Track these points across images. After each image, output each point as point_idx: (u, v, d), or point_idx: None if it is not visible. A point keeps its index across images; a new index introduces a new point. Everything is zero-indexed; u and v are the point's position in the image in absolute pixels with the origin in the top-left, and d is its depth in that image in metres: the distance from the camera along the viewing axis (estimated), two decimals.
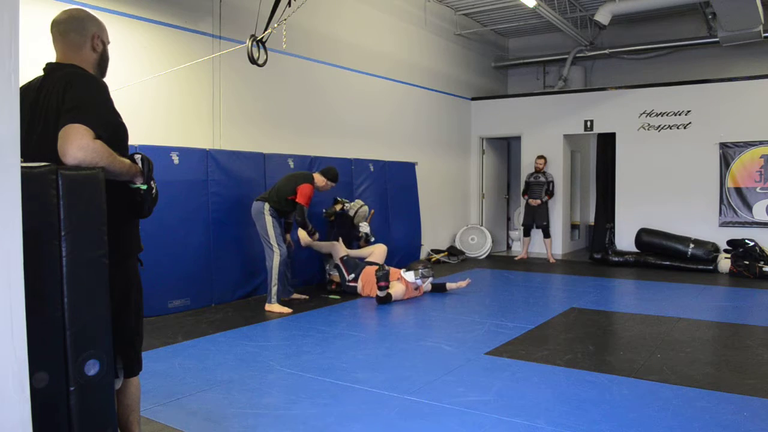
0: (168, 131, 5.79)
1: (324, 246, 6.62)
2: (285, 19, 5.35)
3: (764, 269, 7.78)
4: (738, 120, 8.82)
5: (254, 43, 5.31)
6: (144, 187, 2.12)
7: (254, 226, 5.80)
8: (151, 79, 5.51)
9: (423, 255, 9.38)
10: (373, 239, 7.13)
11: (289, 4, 5.29)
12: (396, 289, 6.10)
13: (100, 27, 2.21)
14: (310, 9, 6.74)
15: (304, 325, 5.12)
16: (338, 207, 6.92)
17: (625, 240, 9.54)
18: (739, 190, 8.80)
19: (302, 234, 6.37)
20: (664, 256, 8.77)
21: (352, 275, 6.44)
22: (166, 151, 5.53)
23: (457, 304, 6.09)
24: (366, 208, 7.02)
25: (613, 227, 10.01)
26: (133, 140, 2.55)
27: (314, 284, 6.92)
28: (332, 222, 7.00)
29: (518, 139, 10.78)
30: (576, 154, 11.09)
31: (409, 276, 6.25)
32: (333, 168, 6.20)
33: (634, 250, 9.19)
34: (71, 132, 1.87)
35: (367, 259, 6.72)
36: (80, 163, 1.85)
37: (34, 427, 1.42)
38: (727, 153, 8.88)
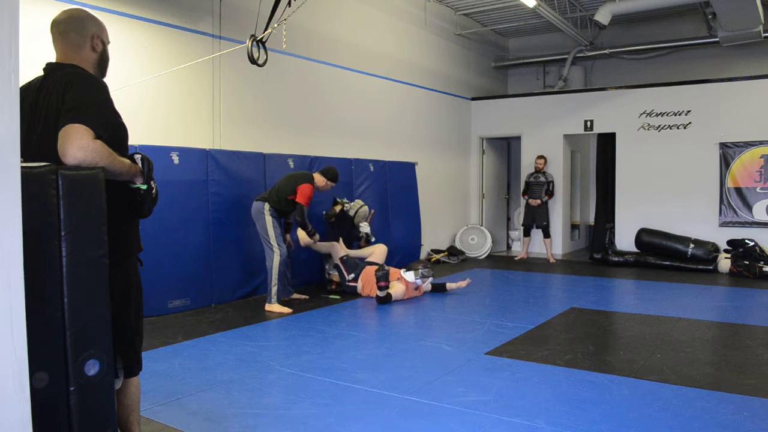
0: (168, 131, 5.79)
1: (323, 246, 6.61)
2: (285, 19, 5.36)
3: (764, 269, 7.78)
4: (738, 120, 8.82)
5: (254, 43, 5.31)
6: (144, 187, 2.12)
7: (254, 226, 5.80)
8: (151, 79, 5.51)
9: (423, 255, 9.38)
10: (373, 239, 7.13)
11: (289, 4, 5.29)
12: (396, 289, 6.10)
13: (99, 27, 2.21)
14: (310, 9, 6.74)
15: (304, 325, 5.12)
16: (338, 208, 6.91)
17: (625, 240, 9.54)
18: (739, 190, 8.80)
19: (302, 234, 6.37)
20: (664, 256, 8.77)
21: (352, 275, 6.44)
22: (166, 151, 5.53)
23: (457, 304, 6.09)
24: (366, 208, 7.02)
25: (613, 227, 10.01)
26: (133, 140, 2.55)
27: (314, 284, 6.92)
28: (332, 223, 7.00)
29: (518, 139, 10.78)
30: (576, 154, 11.09)
31: (409, 276, 6.25)
32: (333, 168, 6.20)
33: (634, 250, 9.19)
34: (71, 132, 1.87)
35: (367, 260, 6.72)
36: (80, 163, 1.85)
37: (34, 427, 1.42)
38: (727, 153, 8.88)
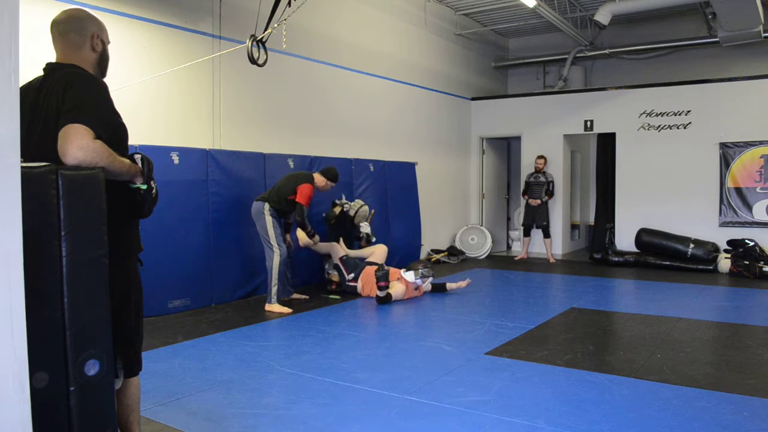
0: (168, 131, 5.79)
1: (323, 246, 6.61)
2: (285, 19, 5.36)
3: (764, 269, 7.78)
4: (738, 120, 8.82)
5: (254, 43, 5.31)
6: (144, 187, 2.12)
7: (254, 226, 5.80)
8: (151, 79, 5.51)
9: (423, 255, 9.38)
10: (374, 239, 7.13)
11: (289, 4, 5.29)
12: (396, 289, 6.10)
13: (99, 27, 2.21)
14: (310, 9, 6.74)
15: (304, 325, 5.12)
16: (337, 210, 6.89)
17: (625, 240, 9.54)
18: (739, 190, 8.80)
19: (301, 234, 6.37)
20: (664, 256, 8.77)
21: (352, 275, 6.44)
22: (166, 151, 5.53)
23: (457, 304, 6.09)
24: (366, 207, 7.02)
25: (613, 227, 10.01)
26: (133, 140, 2.55)
27: (314, 284, 6.92)
28: (332, 224, 6.99)
29: (518, 139, 10.78)
30: (576, 154, 11.09)
31: (409, 276, 6.25)
32: (333, 168, 6.20)
33: (634, 250, 9.19)
34: (71, 132, 1.87)
35: (367, 260, 6.72)
36: (80, 163, 1.85)
37: (34, 427, 1.42)
38: (727, 153, 8.88)
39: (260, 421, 3.02)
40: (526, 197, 9.82)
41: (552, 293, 7.20)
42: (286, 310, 5.60)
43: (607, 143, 10.34)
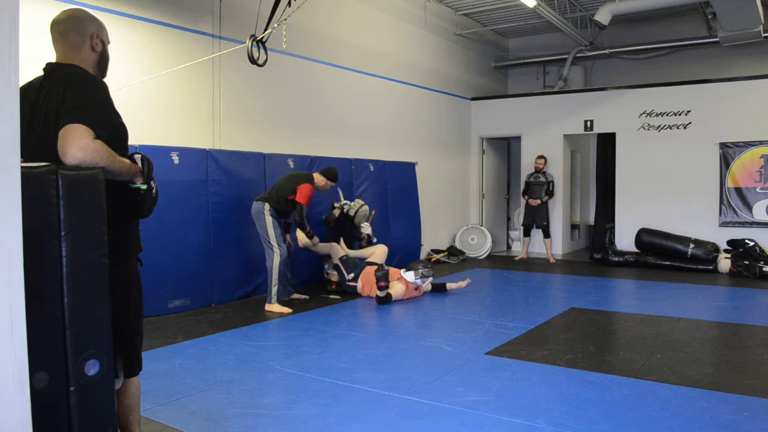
0: (168, 131, 5.79)
1: (323, 247, 6.61)
2: (285, 19, 5.36)
3: (764, 269, 7.78)
4: (738, 120, 8.82)
5: (254, 43, 5.31)
6: (144, 187, 2.12)
7: (254, 226, 5.80)
8: (151, 79, 5.51)
9: (423, 255, 9.38)
10: (375, 240, 7.13)
11: (289, 4, 5.29)
12: (396, 289, 6.10)
13: (99, 27, 2.21)
14: (310, 9, 6.74)
15: (304, 325, 5.12)
16: (336, 213, 6.87)
17: (625, 240, 9.54)
18: (739, 190, 8.80)
19: (300, 235, 6.37)
20: (664, 256, 8.77)
21: (352, 275, 6.44)
22: (166, 151, 5.53)
23: (457, 304, 6.09)
24: (366, 207, 7.01)
25: (613, 227, 10.01)
26: (133, 140, 2.55)
27: (314, 284, 6.92)
28: (332, 226, 6.97)
29: (518, 139, 10.78)
30: (576, 154, 11.09)
31: (409, 276, 6.25)
32: (333, 168, 6.20)
33: (634, 250, 9.19)
34: (71, 132, 1.87)
35: (367, 260, 6.71)
36: (80, 163, 1.85)
37: (34, 427, 1.42)
38: (727, 153, 8.88)
39: (260, 421, 3.02)
40: (526, 197, 9.82)
41: (552, 293, 7.20)
42: (286, 310, 5.60)
43: (607, 143, 10.34)
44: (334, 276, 6.60)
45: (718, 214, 8.92)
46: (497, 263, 9.45)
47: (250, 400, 3.31)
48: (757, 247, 8.03)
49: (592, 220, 11.15)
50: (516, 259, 9.92)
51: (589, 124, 10.03)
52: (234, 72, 6.41)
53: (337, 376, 3.73)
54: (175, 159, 5.59)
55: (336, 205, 6.85)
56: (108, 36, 2.26)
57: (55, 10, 2.25)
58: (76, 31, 2.15)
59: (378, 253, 6.85)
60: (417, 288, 6.33)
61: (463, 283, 6.63)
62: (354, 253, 6.85)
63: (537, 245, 10.08)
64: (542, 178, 9.70)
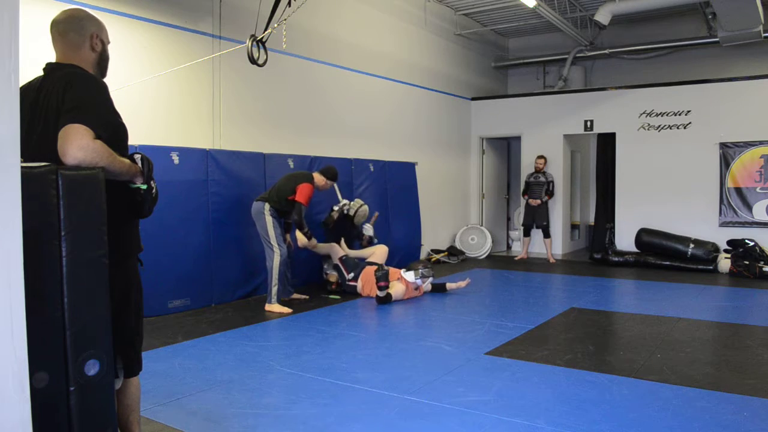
0: (168, 131, 5.79)
1: (323, 247, 6.61)
2: (285, 19, 5.35)
3: (764, 269, 7.78)
4: (738, 120, 8.82)
5: (254, 43, 5.31)
6: (144, 187, 2.12)
7: (254, 226, 5.80)
8: (151, 79, 5.51)
9: (423, 255, 9.38)
10: (376, 241, 7.13)
11: (289, 4, 5.28)
12: (396, 289, 6.10)
13: (99, 27, 2.21)
14: (310, 9, 6.74)
15: (304, 325, 5.12)
16: (335, 216, 6.84)
17: (625, 240, 9.54)
18: (739, 190, 8.80)
19: (300, 235, 6.36)
20: (664, 256, 8.77)
21: (352, 274, 6.44)
22: (166, 151, 5.53)
23: (457, 304, 6.09)
24: (366, 207, 6.99)
25: (613, 227, 10.01)
26: (133, 140, 2.55)
27: (314, 284, 6.92)
28: (331, 228, 6.94)
29: (518, 139, 10.78)
30: (576, 154, 11.09)
31: (409, 276, 6.25)
32: (332, 167, 6.20)
33: (634, 250, 9.19)
34: (71, 132, 1.87)
35: (367, 260, 6.71)
36: (80, 163, 1.85)
37: (34, 427, 1.42)
38: (727, 153, 8.88)
39: (260, 421, 3.02)
40: (526, 197, 9.82)
41: (552, 293, 7.20)
42: (286, 310, 5.60)
43: (607, 143, 10.34)
44: (332, 277, 6.60)
45: (718, 214, 8.92)
46: (497, 263, 9.45)
47: (250, 400, 3.31)
48: (757, 247, 8.03)
49: (592, 220, 11.15)
50: (516, 259, 9.92)
51: (589, 124, 10.03)
52: (234, 72, 6.41)
53: (337, 376, 3.73)
54: (175, 159, 5.59)
55: (335, 208, 6.82)
56: (108, 36, 2.26)
57: (55, 10, 2.25)
58: (76, 31, 2.15)
59: (378, 253, 6.85)
60: (417, 288, 6.33)
61: (462, 283, 6.63)
62: (354, 253, 6.85)
63: (537, 245, 10.08)
64: (542, 178, 9.70)
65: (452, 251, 9.80)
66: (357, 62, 8.20)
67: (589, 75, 11.56)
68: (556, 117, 10.26)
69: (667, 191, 9.31)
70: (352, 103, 8.17)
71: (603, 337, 4.94)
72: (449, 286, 6.61)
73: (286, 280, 5.90)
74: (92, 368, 1.77)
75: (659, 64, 10.79)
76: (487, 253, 10.13)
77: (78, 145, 1.85)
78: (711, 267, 8.39)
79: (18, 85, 1.35)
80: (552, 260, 9.54)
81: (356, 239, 7.10)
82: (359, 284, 6.39)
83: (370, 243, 7.05)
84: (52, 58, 2.18)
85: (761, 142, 8.64)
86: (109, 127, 2.02)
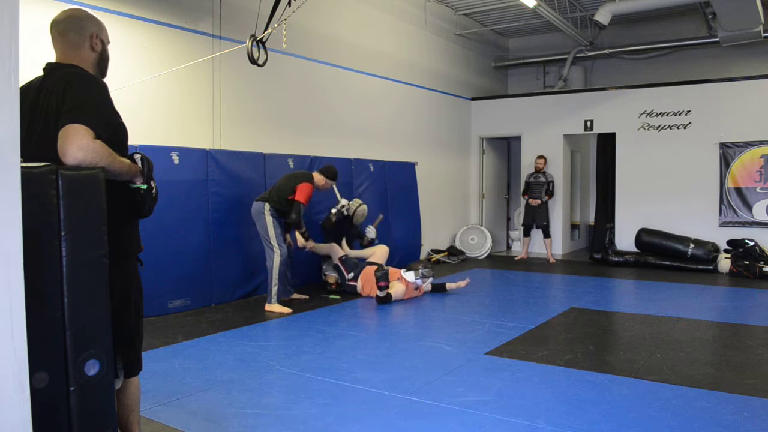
0: (168, 131, 5.79)
1: (323, 248, 6.61)
2: (285, 19, 5.35)
3: (764, 269, 7.78)
4: (738, 120, 8.82)
5: (254, 43, 5.31)
6: (144, 187, 2.12)
7: (254, 226, 5.80)
8: (151, 79, 5.51)
9: (423, 255, 9.38)
10: (376, 241, 7.13)
11: (289, 4, 5.28)
12: (396, 289, 6.10)
13: (99, 26, 2.21)
14: (310, 9, 6.74)
15: (304, 325, 5.12)
16: (333, 217, 6.82)
17: (625, 240, 9.54)
18: (739, 190, 8.80)
19: (299, 235, 6.34)
20: (664, 256, 8.77)
21: (352, 274, 6.44)
22: (166, 151, 5.53)
23: (457, 304, 6.09)
24: (365, 207, 6.97)
25: (613, 227, 10.01)
26: (133, 140, 2.55)
27: (314, 284, 6.92)
28: (331, 228, 6.92)
29: (518, 139, 10.78)
30: (576, 154, 11.09)
31: (410, 276, 6.25)
32: (332, 166, 6.20)
33: (634, 250, 9.19)
34: (71, 132, 1.87)
35: (368, 260, 6.71)
36: (80, 163, 1.85)
37: (34, 427, 1.42)
38: (727, 153, 8.88)
39: (260, 421, 3.02)
40: (526, 197, 9.82)
41: (552, 293, 7.20)
42: (286, 310, 5.60)
43: (607, 143, 10.34)
44: (331, 278, 6.60)
45: (718, 214, 8.92)
46: (497, 263, 9.45)
47: (250, 400, 3.31)
48: (757, 247, 8.03)
49: (592, 220, 11.15)
50: (516, 259, 9.92)
51: (589, 124, 10.03)
52: (234, 72, 6.41)
53: (337, 376, 3.73)
54: (175, 159, 5.59)
55: (333, 210, 6.80)
56: (108, 36, 2.26)
57: (55, 10, 2.25)
58: (76, 31, 2.15)
59: (379, 253, 6.84)
60: (417, 288, 6.33)
61: (462, 283, 6.63)
62: (354, 253, 6.84)
63: (537, 245, 10.08)
64: (542, 178, 9.70)
65: (452, 251, 9.80)
66: (357, 62, 8.20)
67: (589, 75, 11.56)
68: (556, 117, 10.26)
69: (667, 191, 9.31)
70: (352, 103, 8.17)
71: (603, 337, 4.94)
72: (449, 286, 6.61)
73: (286, 280, 5.90)
74: (92, 368, 1.77)
75: (659, 64, 10.79)
76: (487, 253, 10.13)
77: (78, 145, 1.85)
78: (711, 267, 8.39)
79: (18, 85, 1.35)
80: (552, 260, 9.54)
81: (356, 239, 7.10)
82: (359, 284, 6.39)
83: (371, 243, 7.05)
84: (52, 58, 2.18)
85: (761, 142, 8.64)
86: (109, 127, 2.03)
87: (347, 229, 6.97)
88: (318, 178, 6.01)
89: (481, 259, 9.94)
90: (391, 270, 6.34)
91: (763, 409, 3.20)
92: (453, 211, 10.55)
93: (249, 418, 3.05)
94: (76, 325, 1.73)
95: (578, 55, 10.93)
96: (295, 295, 6.17)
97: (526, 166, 10.28)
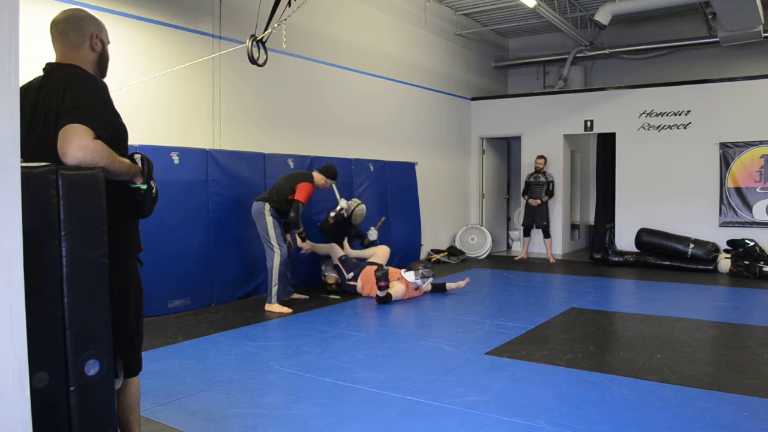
0: (168, 131, 5.79)
1: (322, 248, 6.61)
2: (285, 19, 5.35)
3: (764, 269, 7.78)
4: (738, 120, 8.82)
5: (254, 43, 5.31)
6: (144, 186, 2.12)
7: (254, 226, 5.80)
8: (151, 79, 5.51)
9: (423, 255, 9.38)
10: (377, 242, 7.13)
11: (289, 4, 5.28)
12: (396, 289, 6.10)
13: (99, 26, 2.21)
14: (310, 9, 6.74)
15: (304, 325, 5.12)
16: (331, 220, 6.81)
17: (625, 240, 9.54)
18: (739, 190, 8.80)
19: (306, 245, 6.33)
20: (664, 256, 8.77)
21: (351, 274, 6.44)
22: (166, 151, 5.53)
23: (457, 304, 6.09)
24: (363, 207, 6.96)
25: (613, 227, 10.01)
26: (133, 140, 2.55)
27: (314, 284, 6.92)
28: (329, 229, 6.90)
29: (518, 139, 10.78)
30: (576, 154, 11.09)
31: (410, 276, 6.25)
32: (332, 166, 6.20)
33: (634, 250, 9.19)
34: (71, 132, 1.87)
35: (369, 260, 6.71)
36: (80, 163, 1.85)
37: (34, 427, 1.42)
38: (727, 153, 8.88)
39: (260, 421, 3.02)
40: (526, 197, 9.82)
41: (552, 293, 7.20)
42: (286, 310, 5.60)
43: (607, 143, 10.34)
44: (331, 279, 6.60)
45: (718, 214, 8.92)
46: (497, 263, 9.45)
47: (250, 400, 3.31)
48: (757, 247, 8.03)
49: (592, 220, 11.15)
50: (516, 259, 9.92)
51: (589, 124, 10.03)
52: (234, 72, 6.41)
53: (337, 376, 3.73)
54: (175, 159, 5.59)
55: (332, 214, 6.79)
56: (108, 36, 2.26)
57: (55, 10, 2.25)
58: (76, 31, 2.15)
59: (380, 253, 6.84)
60: (417, 288, 6.33)
61: (462, 283, 6.63)
62: (356, 253, 6.84)
63: (537, 245, 10.08)
64: (542, 178, 9.70)
65: (452, 251, 9.80)
66: (357, 62, 8.20)
67: (589, 75, 11.56)
68: (556, 117, 10.26)
69: (667, 191, 9.31)
70: (352, 103, 8.17)
71: (603, 337, 4.94)
72: (449, 286, 6.61)
73: (286, 280, 5.90)
74: (92, 368, 1.77)
75: (659, 64, 10.79)
76: (487, 253, 10.13)
77: (78, 145, 1.85)
78: (711, 267, 8.39)
79: (18, 85, 1.35)
80: (552, 260, 9.54)
81: (355, 238, 7.10)
82: (359, 284, 6.39)
83: (372, 244, 7.05)
84: (52, 58, 2.18)
85: (761, 142, 8.64)
86: (109, 127, 2.03)
87: (346, 230, 6.96)
88: (318, 177, 6.01)
89: (481, 259, 9.94)
90: (391, 270, 6.35)
91: (763, 409, 3.20)
92: (453, 211, 10.55)
93: (249, 418, 3.05)
94: (76, 325, 1.73)
95: (578, 55, 10.93)
96: (295, 295, 6.17)
97: (526, 166, 10.28)
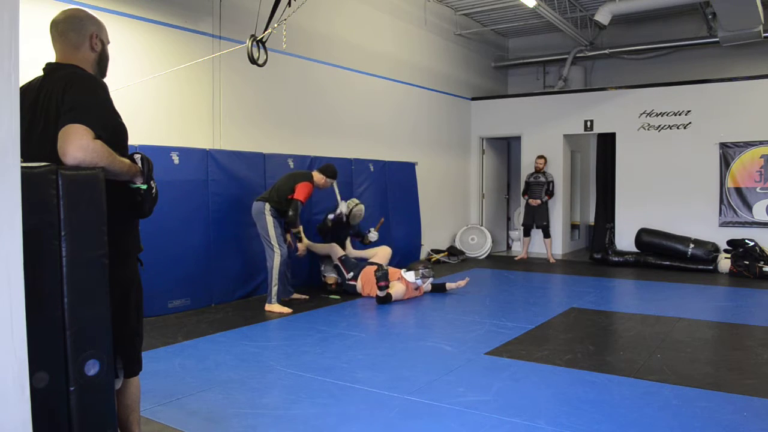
0: (168, 131, 5.79)
1: (322, 248, 6.61)
2: (285, 19, 5.35)
3: (764, 269, 7.78)
4: (738, 120, 8.82)
5: (254, 43, 5.31)
6: (144, 186, 2.12)
7: (254, 226, 5.80)
8: (151, 79, 5.51)
9: (423, 255, 9.38)
10: (377, 242, 7.12)
11: (289, 4, 5.28)
12: (396, 289, 6.10)
13: (99, 26, 2.21)
14: (310, 9, 6.74)
15: (304, 325, 5.12)
16: (330, 223, 6.80)
17: (625, 240, 9.54)
18: (739, 190, 8.80)
19: (301, 246, 6.31)
20: (664, 256, 8.77)
21: (351, 274, 6.44)
22: (166, 151, 5.53)
23: (457, 304, 6.09)
24: (362, 206, 6.95)
25: (613, 227, 10.01)
26: (133, 140, 2.55)
27: (314, 284, 6.92)
28: (328, 230, 6.89)
29: (518, 139, 10.78)
30: (576, 154, 11.09)
31: (410, 276, 6.25)
32: (331, 165, 6.20)
33: (634, 250, 9.19)
34: (71, 132, 1.87)
35: (370, 260, 6.71)
36: (80, 163, 1.85)
37: (34, 427, 1.42)
38: (727, 153, 8.88)
39: (260, 421, 3.02)
40: (526, 197, 9.82)
41: (552, 293, 7.20)
42: (286, 310, 5.60)
43: (607, 143, 10.34)
44: (330, 279, 6.60)
45: (718, 214, 8.92)
46: (497, 263, 9.45)
47: (250, 400, 3.31)
48: (757, 247, 8.03)
49: (592, 220, 11.15)
50: (516, 259, 9.92)
51: (589, 124, 10.03)
52: (234, 72, 6.41)
53: (337, 376, 3.73)
54: (175, 159, 5.59)
55: (330, 216, 6.78)
56: (108, 36, 2.26)
57: (55, 10, 2.25)
58: (76, 31, 2.15)
59: (381, 254, 6.84)
60: (417, 288, 6.33)
61: (462, 282, 6.63)
62: (357, 253, 6.84)
63: (537, 245, 10.08)
64: (542, 178, 9.70)
65: (452, 251, 9.80)
66: (357, 62, 8.20)
67: (589, 75, 11.56)
68: (556, 117, 10.26)
69: (667, 191, 9.31)
70: (352, 103, 8.17)
71: (603, 337, 4.94)
72: (449, 286, 6.61)
73: (286, 280, 5.90)
74: (92, 368, 1.77)
75: (659, 64, 10.78)
76: (487, 253, 10.13)
77: (78, 145, 1.85)
78: (711, 267, 8.39)
79: (18, 85, 1.35)
80: (552, 260, 9.54)
81: (355, 238, 7.09)
82: (359, 284, 6.39)
83: (373, 244, 7.05)
84: (52, 58, 2.18)
85: (761, 142, 8.64)
86: (109, 127, 2.03)
87: (345, 231, 6.96)
88: (318, 177, 6.01)
89: (481, 259, 9.94)
90: (391, 270, 6.35)
91: (763, 409, 3.20)
92: (453, 211, 10.55)
93: (249, 418, 3.05)
94: (76, 325, 1.73)
95: (578, 55, 10.93)
96: (295, 295, 6.17)
97: (526, 166, 10.27)
